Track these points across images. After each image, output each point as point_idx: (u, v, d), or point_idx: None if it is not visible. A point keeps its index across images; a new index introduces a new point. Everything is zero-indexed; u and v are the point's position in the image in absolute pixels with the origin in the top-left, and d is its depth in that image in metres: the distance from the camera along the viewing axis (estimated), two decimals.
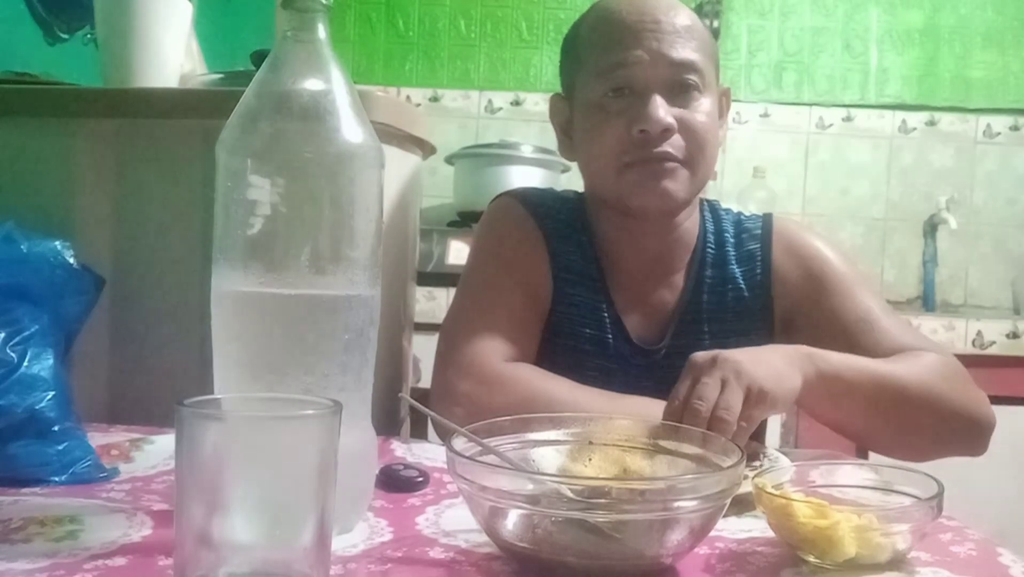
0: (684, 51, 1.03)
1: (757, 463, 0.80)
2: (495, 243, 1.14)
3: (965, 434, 1.01)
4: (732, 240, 1.15)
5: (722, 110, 1.11)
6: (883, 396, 0.95)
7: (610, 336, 1.09)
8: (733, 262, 1.13)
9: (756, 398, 0.83)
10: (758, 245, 1.14)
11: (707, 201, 1.19)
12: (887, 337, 1.03)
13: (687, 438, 0.71)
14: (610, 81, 1.04)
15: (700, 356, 0.86)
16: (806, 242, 1.13)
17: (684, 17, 1.05)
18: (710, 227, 1.15)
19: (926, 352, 1.02)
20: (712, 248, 1.14)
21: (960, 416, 0.99)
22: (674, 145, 1.03)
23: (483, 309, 1.07)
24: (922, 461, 0.99)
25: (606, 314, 1.10)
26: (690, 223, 1.13)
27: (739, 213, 1.19)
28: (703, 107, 1.04)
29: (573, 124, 1.11)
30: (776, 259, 1.12)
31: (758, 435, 1.12)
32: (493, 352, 1.01)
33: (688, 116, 1.03)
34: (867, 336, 1.02)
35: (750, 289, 1.12)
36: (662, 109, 1.01)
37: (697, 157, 1.04)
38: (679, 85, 1.03)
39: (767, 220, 1.16)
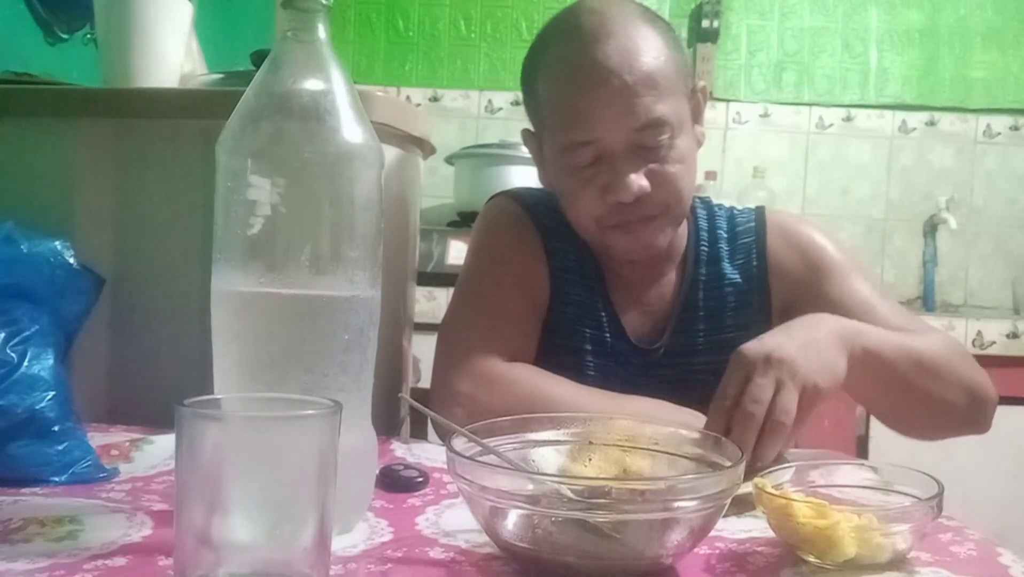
0: (648, 112, 0.98)
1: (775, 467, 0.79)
2: (492, 243, 1.14)
3: (978, 411, 1.02)
4: (726, 236, 1.15)
5: (697, 112, 1.07)
6: (917, 373, 0.95)
7: (608, 335, 1.10)
8: (727, 258, 1.13)
9: (810, 398, 0.82)
10: (752, 238, 1.14)
11: (699, 199, 1.19)
12: (888, 323, 1.03)
13: (689, 440, 0.71)
14: (577, 157, 1.01)
15: (751, 351, 0.83)
16: (801, 232, 1.13)
17: (644, 56, 0.99)
18: (703, 225, 1.15)
19: (930, 332, 1.03)
20: (705, 246, 1.14)
21: (974, 392, 1.00)
22: (649, 202, 1.01)
23: (482, 309, 1.07)
24: (937, 439, 1.01)
25: (603, 313, 1.10)
26: (681, 227, 1.13)
27: (731, 208, 1.19)
28: (676, 153, 1.01)
29: (545, 161, 1.09)
30: (772, 250, 1.12)
31: None
32: (492, 352, 1.01)
33: (660, 170, 1.00)
34: (870, 321, 1.02)
35: (746, 282, 1.12)
36: (633, 175, 0.99)
37: (675, 204, 1.04)
38: (648, 142, 1.00)
39: (760, 213, 1.16)
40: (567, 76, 1.01)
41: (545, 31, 1.08)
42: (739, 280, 1.12)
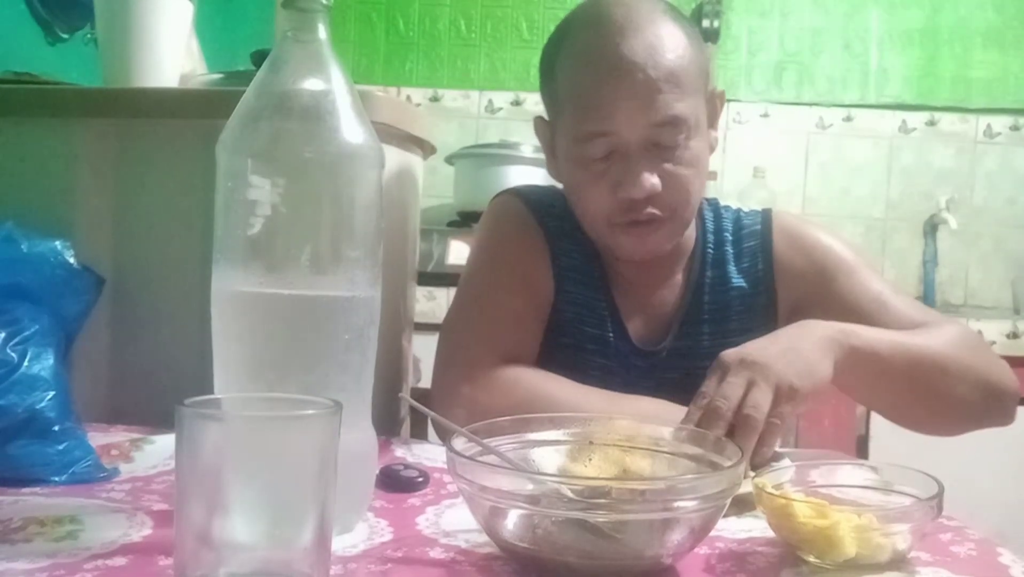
0: (667, 108, 0.98)
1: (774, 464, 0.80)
2: (496, 242, 1.13)
3: (995, 404, 1.00)
4: (731, 239, 1.14)
5: (713, 116, 1.07)
6: (918, 369, 0.94)
7: (611, 335, 1.09)
8: (733, 261, 1.13)
9: (786, 396, 0.82)
10: (758, 241, 1.13)
11: (707, 200, 1.18)
12: (902, 316, 1.02)
13: (688, 438, 0.71)
14: (591, 148, 1.01)
15: (728, 354, 0.85)
16: (807, 233, 1.13)
17: (668, 53, 0.99)
18: (710, 227, 1.15)
19: (944, 325, 1.01)
20: (712, 248, 1.13)
21: (990, 385, 0.99)
22: (659, 202, 1.01)
23: (484, 309, 1.06)
24: (954, 435, 1.00)
25: (607, 314, 1.10)
26: (689, 228, 1.12)
27: (739, 210, 1.18)
28: (689, 154, 1.01)
29: (557, 152, 1.09)
30: (778, 253, 1.12)
31: None
32: (494, 353, 1.01)
33: (673, 171, 1.00)
34: (883, 316, 1.01)
35: (752, 286, 1.12)
36: (645, 173, 0.99)
37: (683, 208, 1.03)
38: (664, 140, 1.00)
39: (766, 215, 1.15)
40: (590, 65, 1.01)
41: (569, 18, 1.07)
42: (744, 285, 1.11)
